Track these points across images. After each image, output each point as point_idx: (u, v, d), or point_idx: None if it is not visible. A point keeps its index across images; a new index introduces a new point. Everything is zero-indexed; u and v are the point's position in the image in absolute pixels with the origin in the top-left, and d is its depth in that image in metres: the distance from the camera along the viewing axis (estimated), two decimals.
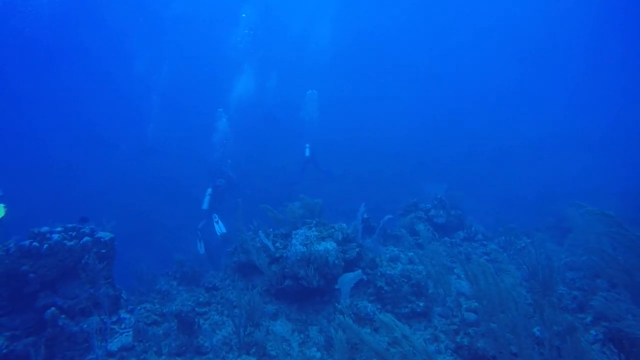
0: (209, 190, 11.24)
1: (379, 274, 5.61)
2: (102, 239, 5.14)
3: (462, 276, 5.94)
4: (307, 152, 13.90)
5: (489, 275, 4.01)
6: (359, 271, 4.87)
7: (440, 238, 7.31)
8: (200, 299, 5.64)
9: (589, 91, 27.09)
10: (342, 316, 3.35)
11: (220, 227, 11.18)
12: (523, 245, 6.80)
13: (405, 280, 5.42)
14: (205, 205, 11.09)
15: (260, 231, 6.38)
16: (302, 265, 5.05)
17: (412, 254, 6.66)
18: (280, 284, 5.18)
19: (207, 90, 21.19)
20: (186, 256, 8.03)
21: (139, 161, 17.60)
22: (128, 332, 4.68)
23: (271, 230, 6.60)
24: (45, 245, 4.48)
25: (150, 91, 24.45)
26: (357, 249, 5.46)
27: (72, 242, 4.75)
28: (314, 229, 5.63)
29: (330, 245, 5.20)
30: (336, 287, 4.83)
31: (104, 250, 5.11)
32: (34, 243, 4.49)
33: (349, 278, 4.73)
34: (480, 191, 14.70)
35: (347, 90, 28.30)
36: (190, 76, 28.27)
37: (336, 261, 5.05)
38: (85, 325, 4.37)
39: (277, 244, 5.79)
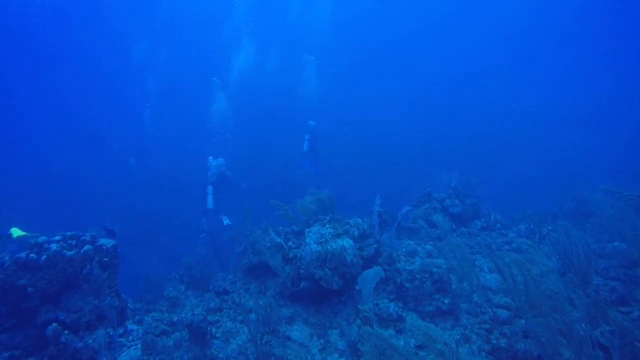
0: (210, 188, 10.91)
1: (397, 269, 5.32)
2: (104, 247, 4.83)
3: (485, 269, 5.65)
4: (305, 146, 13.21)
5: (524, 268, 3.71)
6: (379, 268, 4.54)
7: (457, 229, 7.01)
8: (211, 305, 5.35)
9: (595, 68, 26.52)
10: (369, 327, 3.03)
11: (226, 219, 10.84)
12: (546, 232, 6.49)
13: (427, 276, 5.13)
14: (210, 205, 10.78)
15: (271, 230, 6.09)
16: (318, 265, 4.75)
17: (430, 246, 6.36)
18: (296, 286, 4.88)
19: (205, 77, 20.68)
20: (193, 257, 7.73)
21: (135, 164, 17.16)
22: (136, 344, 4.39)
23: (280, 228, 6.30)
24: (44, 257, 4.17)
25: (146, 79, 23.87)
26: (375, 245, 5.15)
27: (72, 252, 4.44)
28: (327, 225, 5.32)
29: (346, 242, 4.89)
30: (357, 287, 4.52)
31: (106, 259, 4.80)
32: (31, 255, 4.18)
33: (369, 277, 4.41)
34: (491, 175, 14.37)
35: (348, 75, 27.74)
36: (187, 65, 27.65)
37: (354, 259, 4.75)
38: (90, 340, 4.08)
39: (290, 243, 5.48)
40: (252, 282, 5.79)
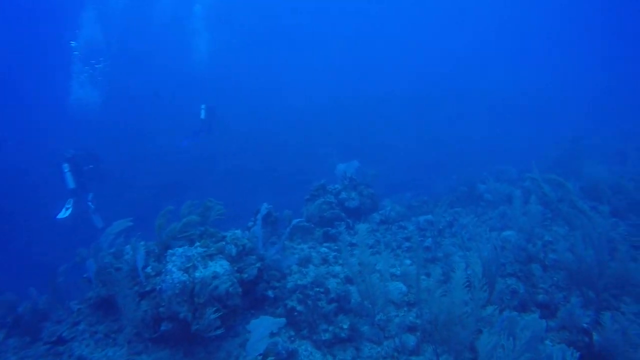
0: (66, 166, 8.74)
1: (288, 286, 4.44)
2: None
3: (386, 275, 5.05)
4: (203, 114, 11.98)
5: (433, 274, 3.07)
6: (282, 320, 3.57)
7: (354, 225, 6.36)
8: None
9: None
10: None
11: (64, 213, 8.75)
12: (446, 223, 6.20)
13: (322, 291, 4.34)
14: (71, 184, 8.67)
15: (130, 246, 4.76)
16: (184, 300, 3.60)
17: (325, 249, 5.62)
18: (155, 331, 3.67)
19: None
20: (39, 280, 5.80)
21: None
22: None
23: (143, 243, 4.95)
24: None
25: None
26: (258, 264, 4.15)
27: None
28: (197, 243, 4.15)
29: (220, 267, 3.81)
30: (247, 327, 3.49)
31: None
32: None
33: (265, 324, 3.42)
34: (392, 158, 14.27)
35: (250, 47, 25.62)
36: None
37: (231, 289, 3.69)
38: None
39: (148, 269, 4.19)
40: (102, 322, 4.40)
